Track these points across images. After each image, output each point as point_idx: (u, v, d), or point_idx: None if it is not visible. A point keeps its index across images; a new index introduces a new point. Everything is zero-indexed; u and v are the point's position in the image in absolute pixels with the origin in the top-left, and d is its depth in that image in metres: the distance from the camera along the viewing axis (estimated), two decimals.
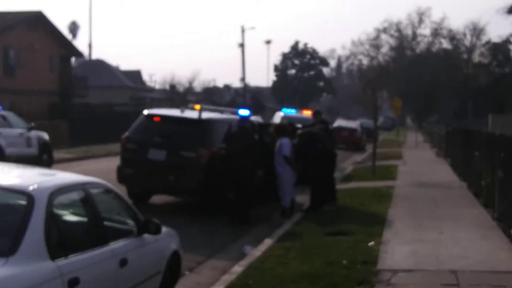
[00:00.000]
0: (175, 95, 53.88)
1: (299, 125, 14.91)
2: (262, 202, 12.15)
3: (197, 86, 60.80)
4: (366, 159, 25.08)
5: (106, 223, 5.19)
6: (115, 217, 5.60)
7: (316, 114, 14.07)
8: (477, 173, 13.09)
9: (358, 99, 25.75)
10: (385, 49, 69.19)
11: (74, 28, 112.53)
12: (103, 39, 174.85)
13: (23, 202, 4.38)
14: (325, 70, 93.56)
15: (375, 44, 67.68)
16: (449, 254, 8.13)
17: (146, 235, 5.58)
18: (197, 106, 12.51)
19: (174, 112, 13.19)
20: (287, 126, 12.18)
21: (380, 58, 66.67)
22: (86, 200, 4.98)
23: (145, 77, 75.46)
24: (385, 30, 67.56)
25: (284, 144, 11.45)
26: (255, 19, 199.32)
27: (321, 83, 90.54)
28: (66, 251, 4.39)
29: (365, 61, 66.39)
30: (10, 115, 19.03)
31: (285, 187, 11.37)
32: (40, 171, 5.58)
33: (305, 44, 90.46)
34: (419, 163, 23.79)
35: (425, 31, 68.47)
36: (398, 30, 68.27)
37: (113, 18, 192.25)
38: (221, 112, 13.56)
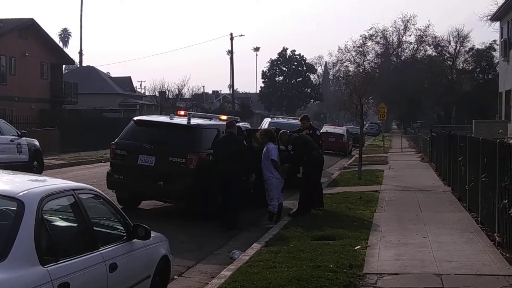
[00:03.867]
0: (165, 101, 53.82)
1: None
2: (252, 206, 12.25)
3: (187, 92, 60.82)
4: (352, 164, 25.25)
5: (95, 228, 5.24)
6: (105, 223, 5.66)
7: (303, 119, 14.16)
8: (461, 178, 13.27)
9: (344, 105, 25.91)
10: (371, 56, 69.75)
11: (65, 35, 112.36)
12: (94, 46, 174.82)
13: (13, 208, 4.42)
14: (312, 77, 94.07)
15: (361, 51, 68.14)
16: (434, 257, 8.25)
17: (135, 240, 5.64)
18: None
19: (163, 118, 13.29)
20: (274, 132, 12.30)
21: (366, 65, 67.10)
22: (76, 205, 5.02)
23: (135, 83, 75.43)
24: (371, 37, 68.09)
25: (272, 149, 11.56)
26: (244, 26, 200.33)
27: (308, 90, 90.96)
28: (56, 257, 4.43)
29: (351, 68, 66.79)
30: (1, 122, 19.06)
31: (273, 192, 11.47)
32: (30, 177, 5.60)
33: (293, 51, 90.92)
34: (404, 168, 23.97)
35: (410, 38, 69.16)
36: (384, 37, 68.83)
37: (103, 26, 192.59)
38: (210, 118, 13.66)
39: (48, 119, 32.98)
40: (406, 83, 59.11)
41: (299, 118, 15.13)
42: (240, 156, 11.13)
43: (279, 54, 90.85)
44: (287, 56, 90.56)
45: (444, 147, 17.91)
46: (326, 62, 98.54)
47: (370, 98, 44.48)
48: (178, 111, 13.47)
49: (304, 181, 12.19)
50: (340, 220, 11.12)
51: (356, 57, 68.24)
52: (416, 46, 67.84)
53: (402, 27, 68.28)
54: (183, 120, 12.15)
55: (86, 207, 5.14)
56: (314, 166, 12.17)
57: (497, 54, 50.38)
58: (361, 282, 7.11)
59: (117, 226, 5.67)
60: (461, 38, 61.46)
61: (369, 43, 68.48)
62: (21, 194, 4.51)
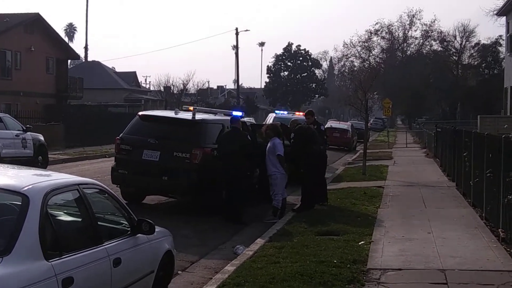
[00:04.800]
0: (170, 96, 53.84)
1: None
2: (257, 201, 12.26)
3: (192, 87, 60.81)
4: (357, 160, 25.24)
5: (100, 223, 5.25)
6: (109, 217, 5.67)
7: (308, 114, 14.11)
8: (466, 173, 13.24)
9: (349, 101, 25.94)
10: (376, 51, 69.61)
11: (70, 30, 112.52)
12: (99, 41, 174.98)
13: (18, 202, 4.43)
14: (318, 72, 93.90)
15: (367, 46, 67.99)
16: (438, 253, 8.25)
17: (139, 235, 5.65)
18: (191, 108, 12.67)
19: (168, 113, 13.31)
20: (279, 127, 12.28)
21: (372, 60, 66.94)
22: (81, 200, 5.03)
23: (140, 78, 75.51)
24: (376, 32, 67.93)
25: (278, 144, 11.56)
26: (249, 21, 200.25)
27: (313, 85, 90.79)
28: (61, 251, 4.44)
29: (356, 63, 66.66)
30: (6, 117, 19.15)
31: (277, 187, 11.47)
32: (35, 172, 5.63)
33: (298, 46, 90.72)
34: (409, 163, 23.95)
35: (416, 33, 68.98)
36: (389, 32, 68.65)
37: (109, 21, 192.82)
38: (215, 113, 13.66)
39: (53, 114, 33.06)
40: (412, 78, 58.96)
41: (304, 113, 15.09)
42: (245, 151, 11.13)
43: (284, 49, 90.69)
44: (292, 51, 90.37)
45: (449, 143, 17.88)
46: (331, 57, 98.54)
47: (375, 93, 44.44)
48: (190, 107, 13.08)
49: (305, 177, 12.16)
50: (344, 216, 11.13)
51: (361, 52, 68.19)
52: (421, 41, 67.73)
53: (408, 22, 68.21)
54: (188, 115, 12.16)
55: (91, 201, 5.15)
56: (314, 161, 12.10)
57: (503, 49, 50.14)
58: (365, 278, 7.11)
59: (121, 221, 5.68)
60: (467, 33, 61.36)
61: (375, 38, 68.48)
62: (26, 188, 4.52)
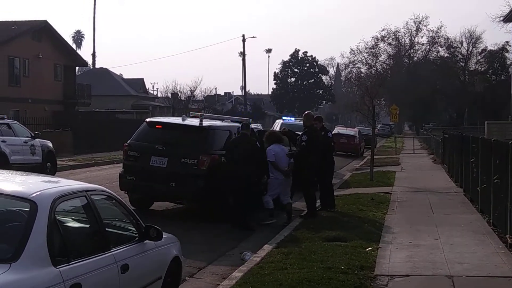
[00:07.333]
0: (177, 103, 54.00)
1: (299, 133, 14.98)
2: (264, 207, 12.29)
3: (199, 94, 61.00)
4: (364, 166, 25.20)
5: (108, 229, 5.27)
6: (117, 224, 5.69)
7: (316, 120, 14.04)
8: (473, 179, 13.20)
9: (356, 107, 25.95)
10: (383, 57, 69.59)
11: (78, 37, 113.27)
12: (107, 48, 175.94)
13: (26, 209, 4.45)
14: (324, 78, 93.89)
15: (373, 52, 67.98)
16: (445, 259, 8.22)
17: (147, 241, 5.66)
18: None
19: (176, 119, 13.36)
20: (278, 134, 12.35)
21: (378, 66, 66.89)
22: (88, 206, 5.05)
23: (148, 85, 75.77)
24: (383, 39, 67.93)
25: (269, 150, 11.73)
26: (256, 28, 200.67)
27: (320, 91, 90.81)
28: (68, 257, 4.46)
29: (363, 69, 66.63)
30: (14, 124, 19.28)
31: (270, 190, 11.66)
32: (43, 178, 5.65)
33: (305, 53, 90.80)
34: (416, 169, 23.89)
35: (422, 39, 68.94)
36: (396, 39, 68.63)
37: (116, 27, 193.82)
38: (222, 120, 13.71)
39: (61, 121, 33.20)
40: (418, 85, 58.89)
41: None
42: (253, 157, 11.16)
43: (291, 55, 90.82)
44: (299, 57, 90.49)
45: (456, 149, 17.83)
46: (338, 64, 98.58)
47: (382, 99, 44.45)
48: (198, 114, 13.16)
49: (304, 185, 12.08)
50: (352, 222, 11.12)
51: (368, 59, 68.20)
52: (428, 47, 67.68)
53: (414, 28, 68.19)
54: (195, 122, 12.21)
55: (99, 208, 5.16)
56: (314, 168, 11.99)
57: (509, 55, 50.23)
58: (372, 284, 7.10)
59: (129, 227, 5.70)
60: (474, 39, 61.29)
61: (381, 45, 68.49)
62: (34, 195, 4.54)
